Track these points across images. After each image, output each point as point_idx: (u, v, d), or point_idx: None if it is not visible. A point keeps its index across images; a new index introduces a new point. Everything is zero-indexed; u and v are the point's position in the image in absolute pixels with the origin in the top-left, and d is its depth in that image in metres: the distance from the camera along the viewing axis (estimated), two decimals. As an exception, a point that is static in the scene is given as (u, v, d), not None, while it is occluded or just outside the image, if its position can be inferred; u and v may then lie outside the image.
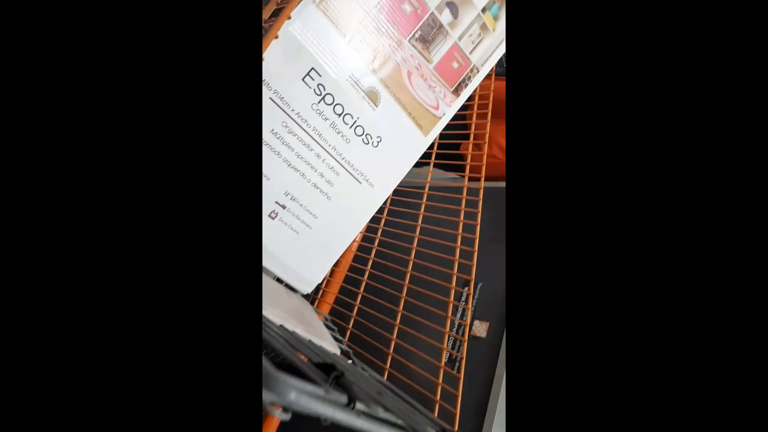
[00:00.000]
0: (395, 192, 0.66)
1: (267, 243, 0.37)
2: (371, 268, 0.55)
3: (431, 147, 0.61)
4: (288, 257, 0.39)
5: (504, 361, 0.53)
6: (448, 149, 0.67)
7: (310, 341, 0.31)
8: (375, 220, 0.67)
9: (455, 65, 0.41)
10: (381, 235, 0.62)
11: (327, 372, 0.20)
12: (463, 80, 0.42)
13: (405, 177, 0.53)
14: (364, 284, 0.52)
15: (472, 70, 0.42)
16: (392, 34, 0.37)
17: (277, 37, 0.30)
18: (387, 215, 0.65)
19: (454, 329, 0.53)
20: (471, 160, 0.60)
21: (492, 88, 0.59)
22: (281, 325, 0.29)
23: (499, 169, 0.77)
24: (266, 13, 0.31)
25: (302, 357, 0.24)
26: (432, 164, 0.62)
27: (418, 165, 0.66)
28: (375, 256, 0.59)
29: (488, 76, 0.59)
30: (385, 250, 0.59)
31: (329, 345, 0.34)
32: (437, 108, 0.42)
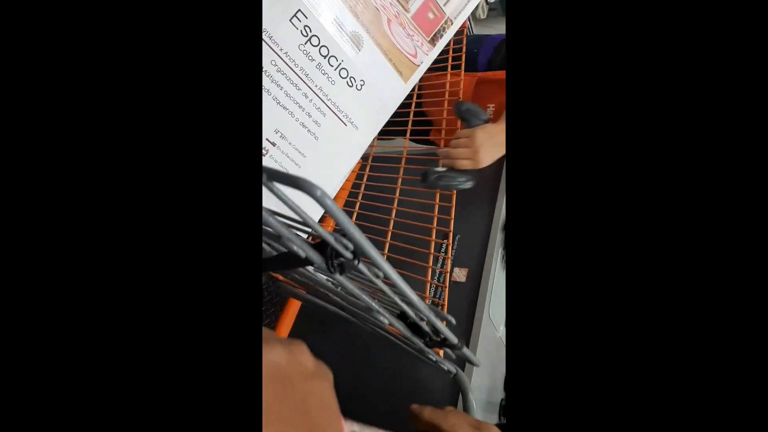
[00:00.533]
0: (374, 159, 0.69)
1: (258, 180, 0.39)
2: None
3: (406, 122, 0.64)
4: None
5: (484, 302, 0.56)
6: (421, 125, 0.70)
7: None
8: (355, 185, 0.69)
9: (431, 16, 0.44)
10: (362, 199, 0.64)
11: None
12: (439, 31, 0.45)
13: (383, 148, 0.55)
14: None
15: (446, 22, 0.45)
16: (373, -19, 0.40)
17: None
18: (367, 181, 0.68)
19: (435, 278, 0.56)
20: (446, 125, 0.63)
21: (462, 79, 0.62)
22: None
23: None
24: None
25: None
26: (408, 132, 0.65)
27: (393, 134, 0.69)
28: (357, 219, 0.62)
29: (457, 72, 0.62)
30: (367, 212, 0.62)
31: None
32: (415, 56, 0.44)
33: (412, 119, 0.65)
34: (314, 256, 0.20)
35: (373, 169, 0.66)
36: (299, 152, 0.40)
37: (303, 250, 0.20)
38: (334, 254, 0.21)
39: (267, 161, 0.39)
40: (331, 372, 0.21)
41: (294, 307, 0.63)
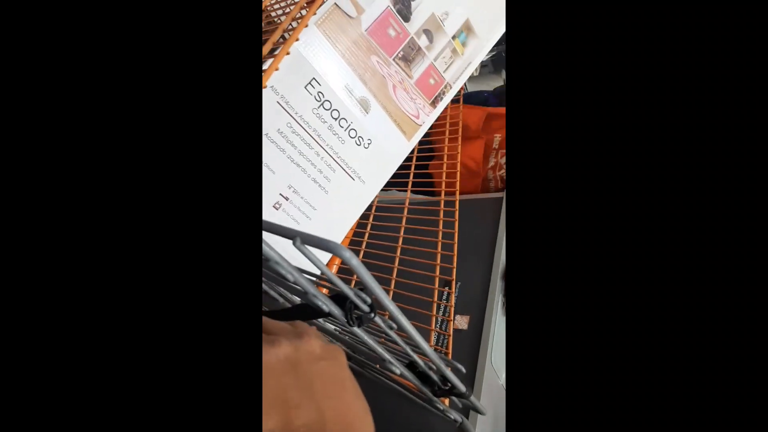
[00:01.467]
0: (378, 209, 0.72)
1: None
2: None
3: (408, 174, 0.68)
4: (289, 246, 0.43)
5: (486, 349, 0.57)
6: (421, 177, 0.74)
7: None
8: (358, 234, 0.71)
9: (432, 81, 0.48)
10: (366, 247, 0.66)
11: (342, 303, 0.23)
12: (439, 94, 0.49)
13: (386, 198, 0.58)
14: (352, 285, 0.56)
15: (445, 87, 0.49)
16: (380, 53, 0.44)
17: (288, 54, 0.35)
18: (371, 230, 0.70)
19: (438, 325, 0.57)
20: (446, 177, 0.67)
21: (460, 111, 0.67)
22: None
23: (464, 182, 0.85)
24: (275, 37, 0.36)
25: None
26: (410, 185, 0.68)
27: (395, 186, 0.72)
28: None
29: (456, 103, 0.67)
30: (371, 260, 0.63)
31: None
32: (418, 117, 0.48)
33: (413, 172, 0.68)
34: (335, 310, 0.22)
35: (376, 219, 0.69)
36: (310, 205, 0.43)
37: (326, 306, 0.22)
38: (352, 308, 0.22)
39: (280, 214, 0.41)
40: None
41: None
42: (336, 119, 0.43)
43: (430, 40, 0.47)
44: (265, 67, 0.29)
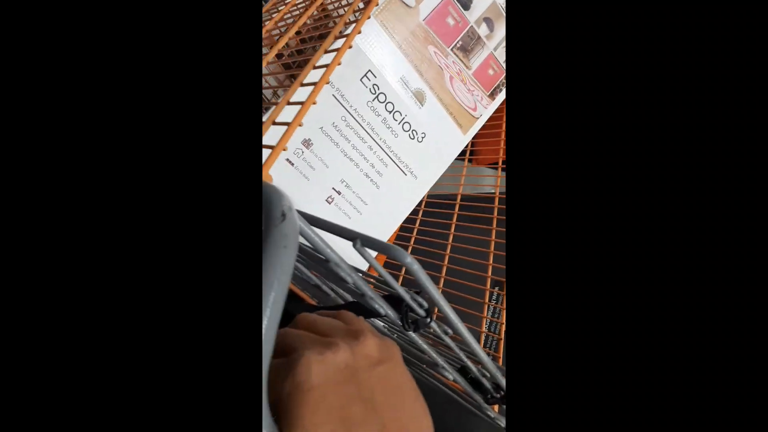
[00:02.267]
0: (428, 204, 0.70)
1: (322, 226, 0.41)
2: (405, 273, 0.58)
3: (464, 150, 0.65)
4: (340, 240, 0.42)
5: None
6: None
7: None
8: (406, 228, 0.70)
9: (491, 72, 0.46)
10: (414, 243, 0.65)
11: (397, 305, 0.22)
12: (498, 85, 0.47)
13: (436, 192, 0.56)
14: (400, 282, 0.55)
15: (506, 77, 0.47)
16: (437, 43, 0.42)
17: (351, 47, 0.35)
18: (419, 225, 0.69)
19: (488, 327, 0.55)
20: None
21: None
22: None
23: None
24: (337, 30, 0.36)
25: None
26: (462, 180, 0.66)
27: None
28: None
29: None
30: (419, 257, 0.62)
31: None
32: (475, 109, 0.46)
33: (466, 165, 0.66)
34: (391, 312, 0.21)
35: (426, 214, 0.67)
36: (361, 200, 0.42)
37: (383, 308, 0.21)
38: (408, 311, 0.22)
39: (332, 209, 0.41)
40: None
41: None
42: (390, 112, 0.42)
43: (491, 28, 0.45)
44: (327, 61, 0.28)
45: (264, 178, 0.19)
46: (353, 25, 0.32)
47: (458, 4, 0.43)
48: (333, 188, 0.41)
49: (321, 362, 0.17)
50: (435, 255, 0.59)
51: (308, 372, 0.16)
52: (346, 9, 0.40)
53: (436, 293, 0.19)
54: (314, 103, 0.25)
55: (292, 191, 0.36)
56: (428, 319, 0.21)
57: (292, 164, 0.39)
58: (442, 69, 0.43)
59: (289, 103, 0.26)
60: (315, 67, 0.28)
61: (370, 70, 0.40)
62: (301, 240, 0.17)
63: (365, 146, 0.41)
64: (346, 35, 0.33)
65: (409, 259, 0.16)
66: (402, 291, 0.21)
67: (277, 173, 0.38)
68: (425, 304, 0.21)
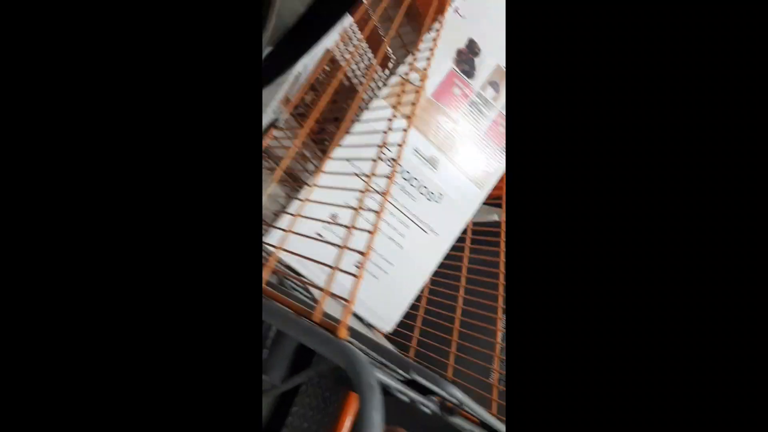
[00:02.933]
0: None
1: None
2: (427, 304, 0.60)
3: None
4: (370, 300, 0.46)
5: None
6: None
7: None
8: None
9: (501, 129, 0.49)
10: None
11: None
12: (509, 141, 0.50)
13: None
14: (420, 321, 0.58)
15: (515, 132, 0.50)
16: (446, 112, 0.46)
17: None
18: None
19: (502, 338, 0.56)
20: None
21: None
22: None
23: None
24: (355, 106, 0.41)
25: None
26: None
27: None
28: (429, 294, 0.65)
29: None
30: (436, 278, 0.65)
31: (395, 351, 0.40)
32: (488, 166, 0.49)
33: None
34: (434, 406, 0.25)
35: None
36: (387, 261, 0.46)
37: (429, 409, 0.25)
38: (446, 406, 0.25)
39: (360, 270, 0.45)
40: None
41: (354, 402, 0.66)
42: (407, 180, 0.46)
43: (497, 90, 0.48)
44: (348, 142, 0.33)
45: (340, 335, 0.23)
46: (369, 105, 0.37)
47: (462, 75, 0.46)
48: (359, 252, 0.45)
49: None
50: (450, 278, 0.61)
51: None
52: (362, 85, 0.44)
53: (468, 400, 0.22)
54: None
55: (324, 260, 0.40)
56: (461, 406, 0.25)
57: (321, 236, 0.43)
58: (452, 135, 0.47)
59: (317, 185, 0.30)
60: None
61: (378, 146, 0.44)
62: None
63: (386, 212, 0.45)
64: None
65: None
66: (444, 394, 0.24)
67: (309, 245, 0.42)
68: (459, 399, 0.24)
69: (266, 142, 0.47)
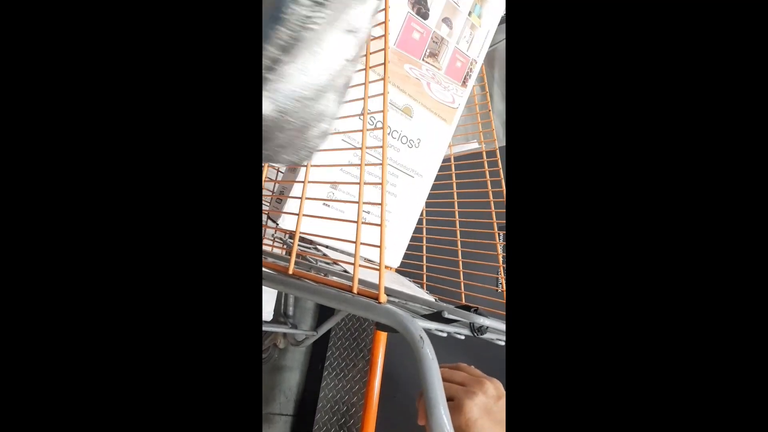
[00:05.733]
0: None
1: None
2: (427, 233, 0.68)
3: None
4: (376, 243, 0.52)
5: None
6: None
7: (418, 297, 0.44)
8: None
9: (458, 64, 0.52)
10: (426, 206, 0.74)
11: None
12: (467, 73, 0.53)
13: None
14: (424, 249, 0.66)
15: (472, 63, 0.53)
16: (410, 59, 0.48)
17: None
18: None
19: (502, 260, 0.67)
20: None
21: None
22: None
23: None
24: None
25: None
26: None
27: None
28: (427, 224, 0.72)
29: None
30: (430, 213, 0.72)
31: (424, 295, 0.48)
32: (453, 102, 0.52)
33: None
34: (465, 331, 0.32)
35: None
36: (387, 211, 0.51)
37: (463, 335, 0.31)
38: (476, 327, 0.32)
39: (364, 226, 0.50)
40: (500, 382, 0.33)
41: (382, 334, 0.75)
42: (389, 134, 0.48)
43: (450, 26, 0.50)
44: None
45: (381, 301, 0.28)
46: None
47: (418, 17, 0.47)
48: (364, 210, 0.49)
49: (474, 404, 0.29)
50: (445, 213, 0.69)
51: (471, 411, 0.28)
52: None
53: (491, 322, 0.29)
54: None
55: (333, 225, 0.44)
56: (487, 328, 0.32)
57: (328, 205, 0.46)
58: (419, 80, 0.49)
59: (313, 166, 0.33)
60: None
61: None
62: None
63: (376, 169, 0.49)
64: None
65: (482, 319, 0.26)
66: (481, 320, 0.31)
67: (319, 214, 0.46)
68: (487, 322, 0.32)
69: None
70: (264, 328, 0.58)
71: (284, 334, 0.69)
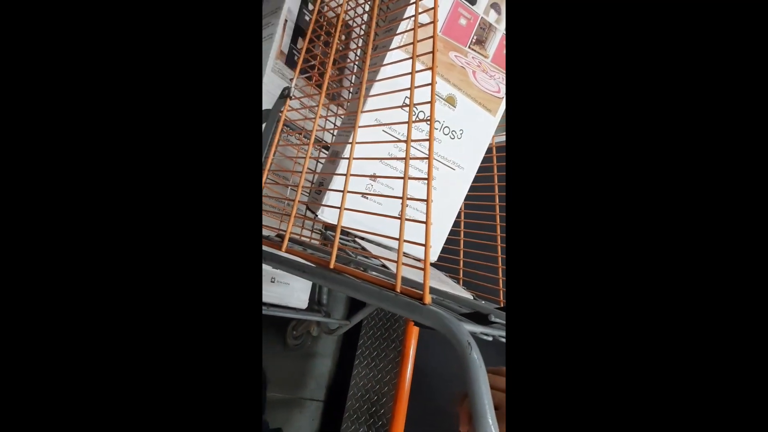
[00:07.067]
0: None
1: (399, 234, 0.49)
2: (465, 227, 0.66)
3: None
4: (415, 239, 0.51)
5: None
6: None
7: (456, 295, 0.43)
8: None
9: (506, 52, 0.49)
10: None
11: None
12: (515, 61, 0.50)
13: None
14: (462, 243, 0.64)
15: (520, 50, 0.50)
16: (456, 47, 0.46)
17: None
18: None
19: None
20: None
21: None
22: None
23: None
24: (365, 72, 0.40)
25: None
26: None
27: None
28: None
29: None
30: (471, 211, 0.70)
31: (461, 292, 0.47)
32: (498, 91, 0.50)
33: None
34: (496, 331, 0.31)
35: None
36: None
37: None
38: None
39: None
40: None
41: (413, 327, 0.74)
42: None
43: (498, 11, 0.47)
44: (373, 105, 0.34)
45: (426, 302, 0.27)
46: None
47: (466, 2, 0.45)
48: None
49: None
50: (485, 207, 0.66)
51: None
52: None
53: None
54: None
55: (373, 219, 0.43)
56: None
57: (367, 198, 0.46)
58: (465, 68, 0.47)
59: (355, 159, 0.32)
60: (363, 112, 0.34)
61: (406, 97, 0.44)
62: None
63: (418, 161, 0.47)
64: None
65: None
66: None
67: (359, 207, 0.45)
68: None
69: (286, 115, 0.46)
70: (299, 316, 0.59)
71: (318, 322, 0.70)
